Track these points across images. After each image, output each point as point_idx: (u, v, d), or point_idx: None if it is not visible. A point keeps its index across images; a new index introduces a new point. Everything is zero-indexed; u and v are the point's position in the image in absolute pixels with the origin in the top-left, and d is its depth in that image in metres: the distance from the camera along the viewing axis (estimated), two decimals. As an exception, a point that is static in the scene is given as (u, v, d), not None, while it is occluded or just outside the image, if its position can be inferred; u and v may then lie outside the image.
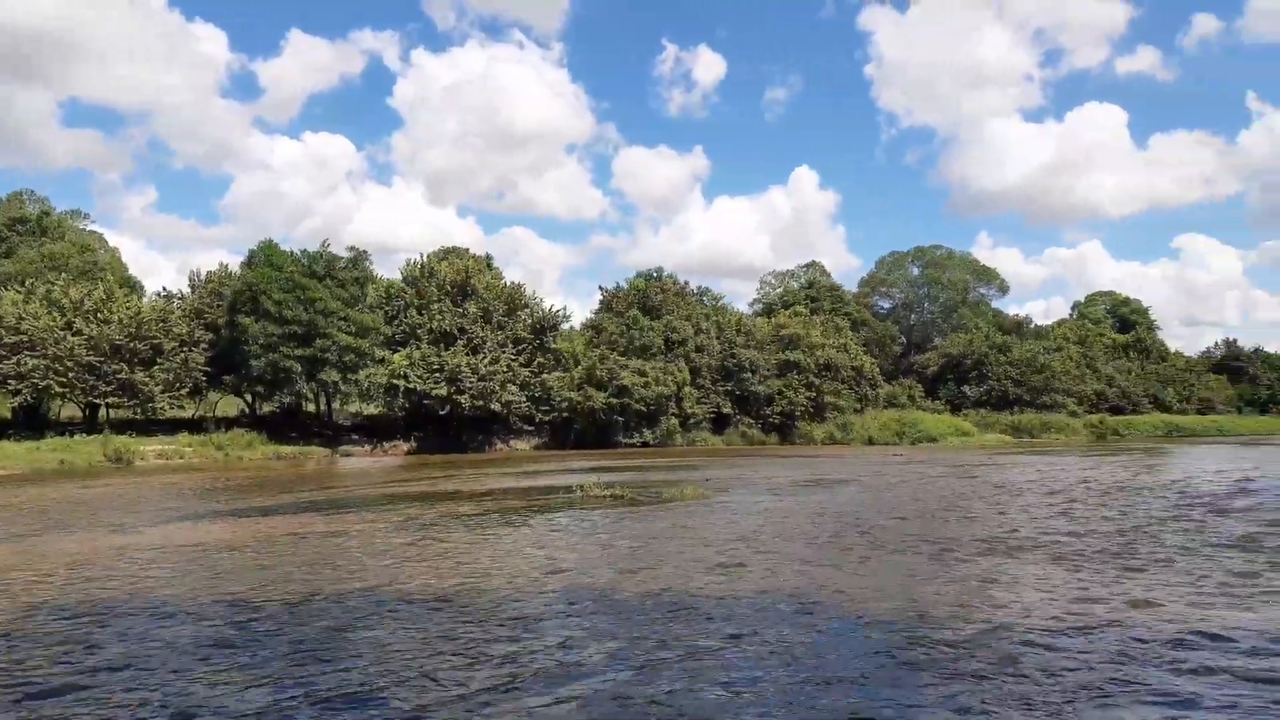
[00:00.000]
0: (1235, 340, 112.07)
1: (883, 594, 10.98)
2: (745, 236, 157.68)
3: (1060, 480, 28.89)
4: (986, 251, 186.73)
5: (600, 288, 74.69)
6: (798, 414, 68.44)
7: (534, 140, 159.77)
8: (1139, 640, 8.72)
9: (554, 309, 62.86)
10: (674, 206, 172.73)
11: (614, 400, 58.76)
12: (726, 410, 66.39)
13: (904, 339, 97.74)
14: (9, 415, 48.93)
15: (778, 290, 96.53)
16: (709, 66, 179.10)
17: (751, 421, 67.25)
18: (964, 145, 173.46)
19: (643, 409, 59.93)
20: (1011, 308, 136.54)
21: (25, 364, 43.82)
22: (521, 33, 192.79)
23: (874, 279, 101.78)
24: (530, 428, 59.44)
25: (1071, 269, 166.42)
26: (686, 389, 63.16)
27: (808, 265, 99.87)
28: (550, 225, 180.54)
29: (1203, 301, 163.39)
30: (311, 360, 50.13)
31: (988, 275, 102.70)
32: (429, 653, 8.52)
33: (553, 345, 61.31)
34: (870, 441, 67.57)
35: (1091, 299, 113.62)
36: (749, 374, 66.89)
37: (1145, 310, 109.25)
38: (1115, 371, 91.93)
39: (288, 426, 52.95)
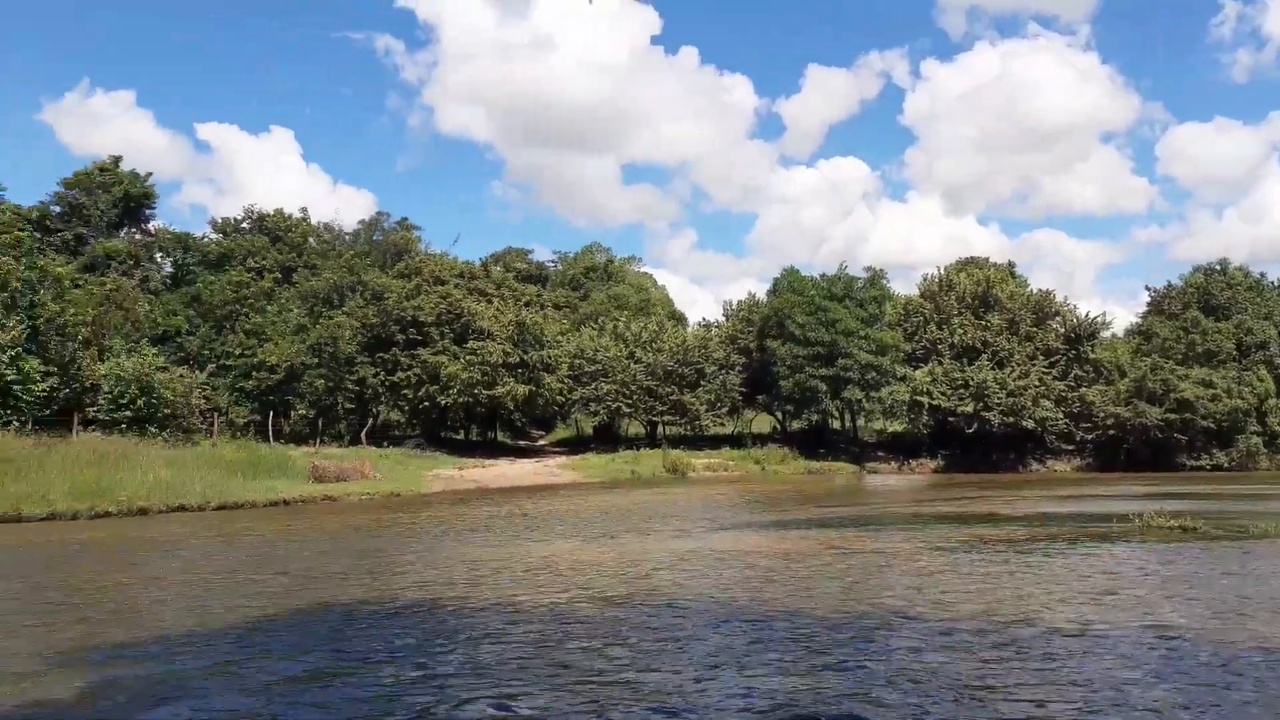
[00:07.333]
0: None
1: None
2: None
3: None
4: None
5: (1147, 288, 66.10)
6: None
7: (1062, 134, 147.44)
8: None
9: (1090, 315, 57.23)
10: (1241, 186, 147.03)
11: (1172, 416, 51.31)
12: (1330, 427, 54.14)
13: None
14: (591, 432, 58.16)
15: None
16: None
17: (1368, 441, 53.96)
18: None
19: (1211, 426, 51.50)
20: None
21: (601, 389, 51.70)
22: (1039, 25, 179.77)
23: None
24: (1069, 447, 54.50)
25: None
26: (1271, 402, 52.87)
27: None
28: (1082, 223, 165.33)
29: None
30: (835, 379, 51.66)
31: None
32: (962, 681, 7.98)
33: (1091, 355, 55.68)
34: None
35: None
36: (1361, 382, 53.83)
37: None
38: None
39: (816, 442, 55.15)
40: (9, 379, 31.34)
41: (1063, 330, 56.54)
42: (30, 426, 30.83)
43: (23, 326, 32.86)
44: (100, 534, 20.16)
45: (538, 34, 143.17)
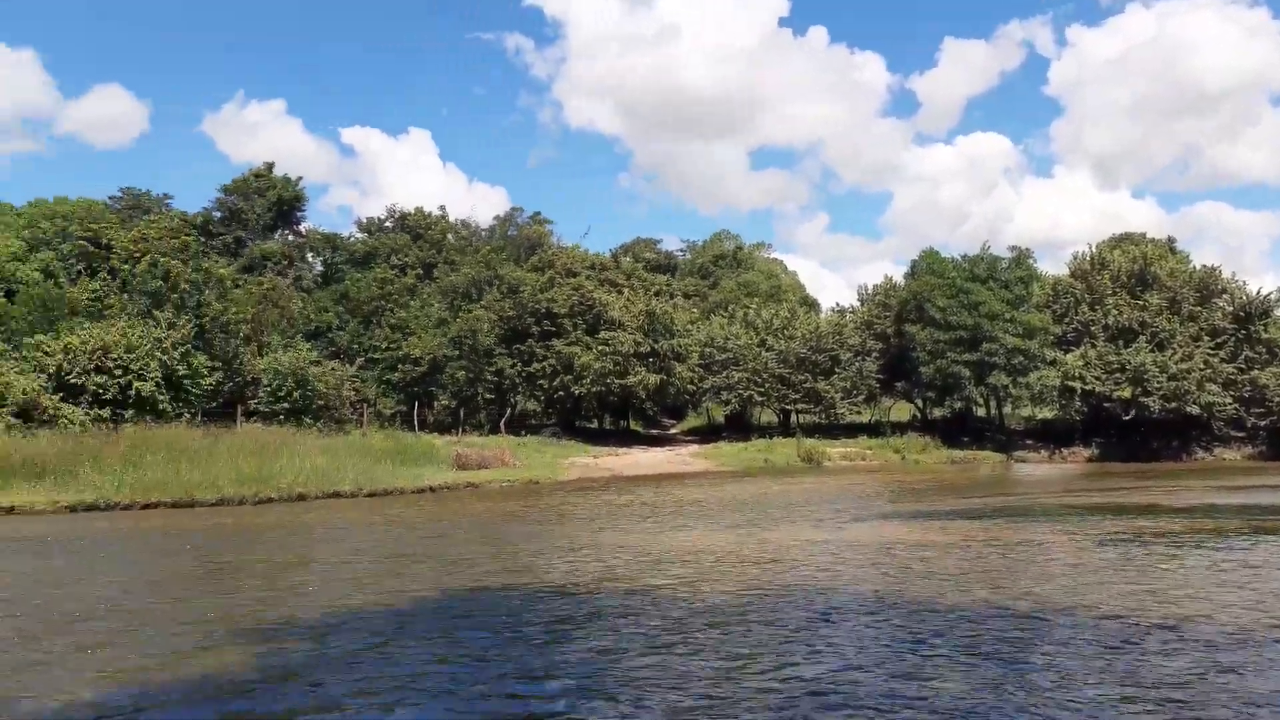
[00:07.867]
0: None
1: None
2: None
3: None
4: None
5: (1328, 261, 60.68)
6: None
7: (1226, 97, 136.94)
8: None
9: (1262, 292, 52.96)
10: None
11: (1359, 400, 46.94)
12: None
13: None
14: (723, 420, 57.96)
15: None
16: None
17: None
18: None
19: (1406, 410, 46.83)
20: None
21: (732, 377, 51.38)
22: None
23: None
24: (1240, 434, 50.68)
25: None
26: None
27: None
28: (1251, 193, 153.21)
29: None
30: (979, 364, 49.65)
31: None
32: (1108, 690, 7.45)
33: (1264, 335, 51.57)
34: None
35: None
36: None
37: None
38: None
39: (959, 431, 53.17)
40: (180, 374, 33.80)
41: (1230, 309, 52.53)
42: (199, 418, 33.20)
43: (191, 325, 35.39)
44: (263, 519, 21.46)
45: (663, 24, 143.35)
